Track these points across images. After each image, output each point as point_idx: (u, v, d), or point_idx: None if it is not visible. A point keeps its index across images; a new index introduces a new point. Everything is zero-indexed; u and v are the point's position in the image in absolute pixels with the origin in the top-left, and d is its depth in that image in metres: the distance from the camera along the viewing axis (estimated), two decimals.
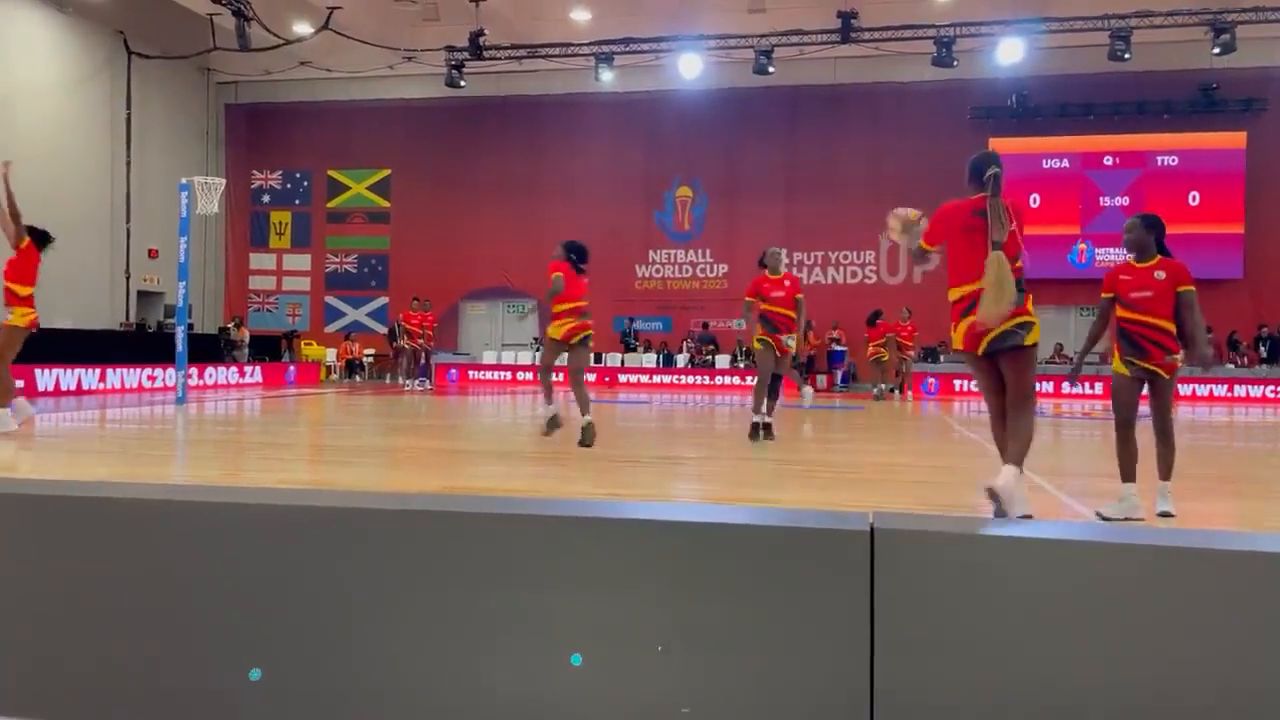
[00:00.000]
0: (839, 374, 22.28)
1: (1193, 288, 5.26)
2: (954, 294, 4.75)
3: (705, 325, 23.72)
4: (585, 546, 2.19)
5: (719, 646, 2.10)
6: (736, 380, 22.34)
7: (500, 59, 21.25)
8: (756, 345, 9.52)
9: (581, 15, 21.80)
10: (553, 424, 8.72)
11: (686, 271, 24.14)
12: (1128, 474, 5.25)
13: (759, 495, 6.23)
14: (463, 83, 21.11)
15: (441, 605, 2.21)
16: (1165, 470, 5.24)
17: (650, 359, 23.37)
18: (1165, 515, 5.13)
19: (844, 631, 2.05)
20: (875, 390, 18.44)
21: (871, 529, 2.07)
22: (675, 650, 2.12)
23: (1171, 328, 5.23)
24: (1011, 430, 4.57)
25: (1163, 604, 1.97)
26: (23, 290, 9.02)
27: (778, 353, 9.34)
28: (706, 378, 22.55)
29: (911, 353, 18.84)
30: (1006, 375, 4.64)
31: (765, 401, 9.44)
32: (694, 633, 2.11)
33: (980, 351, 4.63)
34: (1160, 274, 5.25)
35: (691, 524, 2.22)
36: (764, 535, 2.15)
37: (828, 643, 2.06)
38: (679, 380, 22.57)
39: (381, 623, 2.22)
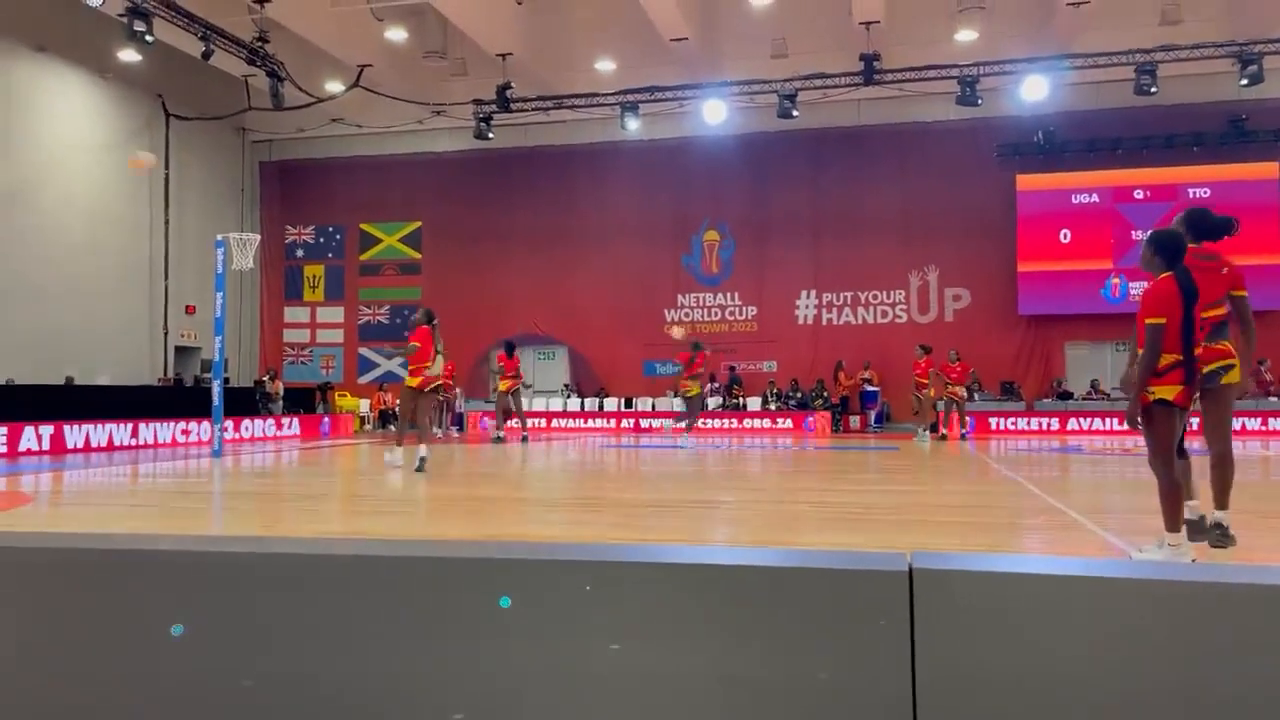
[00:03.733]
0: (872, 414, 22.09)
1: (1152, 320, 4.79)
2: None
3: (733, 369, 23.67)
4: (618, 592, 2.16)
5: (755, 692, 2.06)
6: (767, 423, 22.22)
7: (527, 110, 21.60)
8: None
9: (606, 66, 22.14)
10: (421, 464, 10.63)
11: (716, 315, 24.16)
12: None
13: (795, 538, 6.15)
14: (491, 134, 21.46)
15: (475, 654, 2.18)
16: (1165, 516, 4.92)
17: (680, 403, 23.29)
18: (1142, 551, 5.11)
19: (884, 674, 2.00)
20: (921, 435, 17.88)
21: (910, 569, 2.03)
22: (710, 696, 2.08)
23: (1164, 357, 4.79)
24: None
25: (1220, 643, 1.90)
26: None
27: None
28: (736, 420, 22.45)
29: (961, 391, 18.24)
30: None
31: None
32: (729, 679, 2.07)
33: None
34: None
35: (725, 566, 2.19)
36: (800, 577, 2.12)
37: (868, 686, 2.01)
38: (706, 424, 22.47)
39: (404, 670, 2.20)
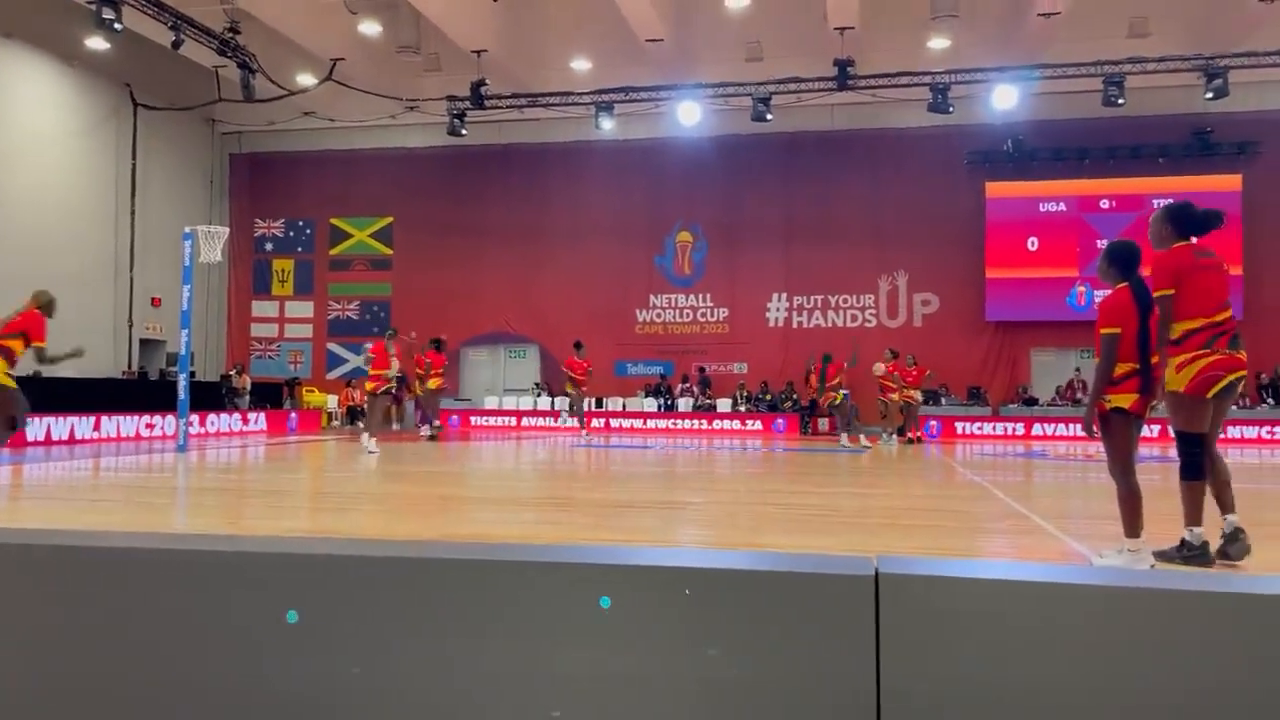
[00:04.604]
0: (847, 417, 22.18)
1: (1107, 330, 4.85)
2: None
3: (703, 370, 23.73)
4: (583, 594, 2.17)
5: (719, 695, 2.07)
6: (737, 425, 22.30)
7: (501, 107, 21.51)
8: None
9: (581, 65, 22.11)
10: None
11: (687, 316, 24.21)
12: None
13: (762, 540, 6.18)
14: (464, 131, 21.35)
15: (433, 655, 2.18)
16: (1124, 522, 4.98)
17: (651, 403, 23.34)
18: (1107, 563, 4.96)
19: (849, 678, 2.02)
20: (886, 439, 17.85)
21: (876, 573, 2.05)
22: (676, 698, 2.09)
23: (1120, 366, 4.86)
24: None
25: (1178, 649, 1.94)
26: None
27: None
28: (706, 422, 22.51)
29: (916, 395, 18.54)
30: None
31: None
32: (694, 681, 2.08)
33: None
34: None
35: (691, 569, 2.20)
36: (766, 580, 2.13)
37: (832, 688, 2.03)
38: (675, 425, 22.52)
39: (372, 673, 2.20)
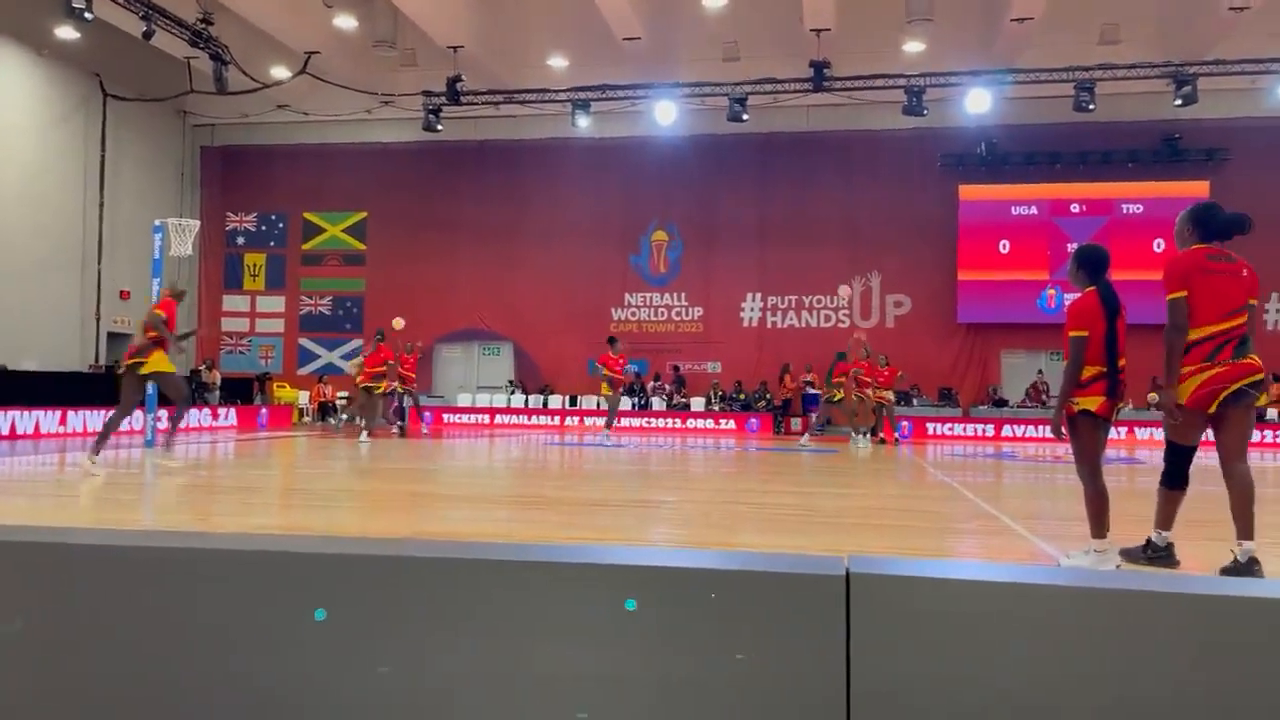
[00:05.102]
0: (813, 417, 22.31)
1: (1075, 333, 4.91)
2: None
3: (678, 368, 23.77)
4: (552, 592, 2.17)
5: (691, 693, 2.08)
6: (710, 424, 22.36)
7: (477, 104, 21.43)
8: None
9: (559, 62, 22.08)
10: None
11: (662, 315, 24.25)
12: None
13: (735, 539, 6.21)
14: (440, 127, 21.26)
15: (409, 653, 2.18)
16: (1090, 522, 5.03)
17: (625, 402, 23.34)
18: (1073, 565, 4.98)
19: (819, 676, 2.04)
20: (860, 439, 17.45)
21: (847, 573, 2.07)
22: (647, 697, 2.10)
23: (1088, 369, 4.91)
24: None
25: (1144, 649, 1.97)
26: None
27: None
28: (679, 420, 22.56)
29: (889, 395, 18.58)
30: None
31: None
32: (666, 680, 2.09)
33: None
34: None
35: (664, 569, 2.21)
36: (739, 580, 2.15)
37: (803, 688, 2.04)
38: (649, 423, 22.54)
39: (348, 672, 2.19)
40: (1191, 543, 5.69)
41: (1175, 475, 4.96)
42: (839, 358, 17.17)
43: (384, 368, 16.36)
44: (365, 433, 15.69)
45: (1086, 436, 4.98)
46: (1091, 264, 5.09)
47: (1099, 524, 4.99)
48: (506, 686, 2.14)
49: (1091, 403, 4.91)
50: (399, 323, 18.28)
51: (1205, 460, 4.97)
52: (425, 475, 10.86)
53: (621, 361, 17.69)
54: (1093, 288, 5.01)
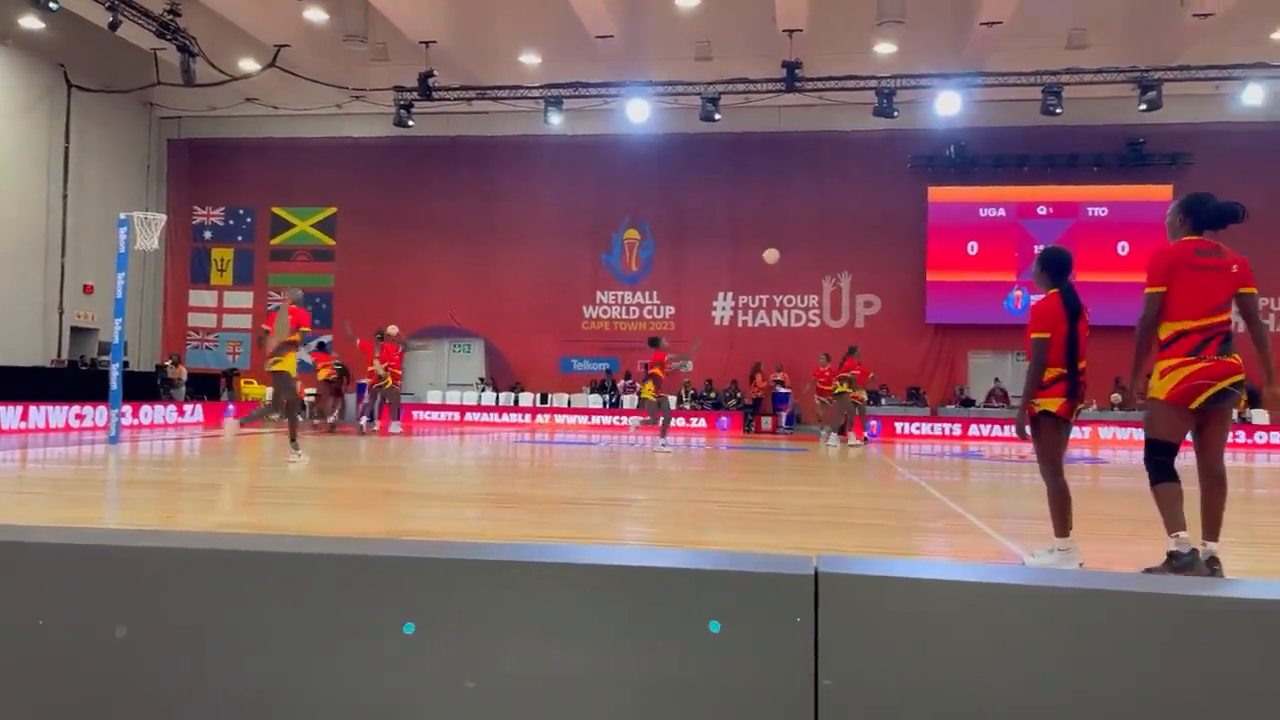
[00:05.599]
0: (784, 416, 22.45)
1: (1036, 335, 4.99)
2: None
3: (648, 367, 23.75)
4: (523, 593, 2.17)
5: (661, 693, 2.09)
6: (681, 422, 22.39)
7: (449, 99, 21.32)
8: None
9: (531, 59, 22.00)
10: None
11: (634, 313, 24.25)
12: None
13: (705, 538, 6.23)
14: (411, 122, 21.13)
15: (379, 652, 2.17)
16: (1054, 521, 5.10)
17: (596, 400, 23.34)
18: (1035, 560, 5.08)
19: (788, 675, 2.05)
20: (828, 438, 17.57)
21: (816, 572, 2.08)
22: (616, 696, 2.10)
23: (1049, 370, 5.00)
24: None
25: (1106, 648, 2.00)
26: None
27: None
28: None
29: (862, 394, 18.73)
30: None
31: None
32: (635, 679, 2.10)
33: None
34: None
35: (633, 568, 2.21)
36: (707, 579, 2.16)
37: (772, 687, 2.06)
38: (620, 421, 22.52)
39: (311, 670, 2.18)
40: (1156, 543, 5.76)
41: (1160, 469, 4.68)
42: (850, 352, 17.36)
43: (376, 365, 17.20)
44: (367, 419, 17.56)
45: (1048, 437, 5.06)
46: (1055, 266, 5.17)
47: (1062, 522, 5.07)
48: (480, 685, 2.13)
49: (1052, 404, 4.99)
50: (393, 330, 18.34)
51: (1182, 459, 4.94)
52: (395, 474, 10.80)
53: (666, 361, 16.82)
54: (1055, 290, 5.09)
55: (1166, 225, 4.86)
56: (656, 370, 15.54)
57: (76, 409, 16.73)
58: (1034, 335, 5.01)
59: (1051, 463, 5.06)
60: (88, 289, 22.67)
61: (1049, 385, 4.99)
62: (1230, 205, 4.64)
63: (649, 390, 15.25)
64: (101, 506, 7.56)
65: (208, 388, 23.00)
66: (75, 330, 22.55)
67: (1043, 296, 5.15)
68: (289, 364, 10.67)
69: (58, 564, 2.31)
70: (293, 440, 11.00)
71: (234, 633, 2.21)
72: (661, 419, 15.37)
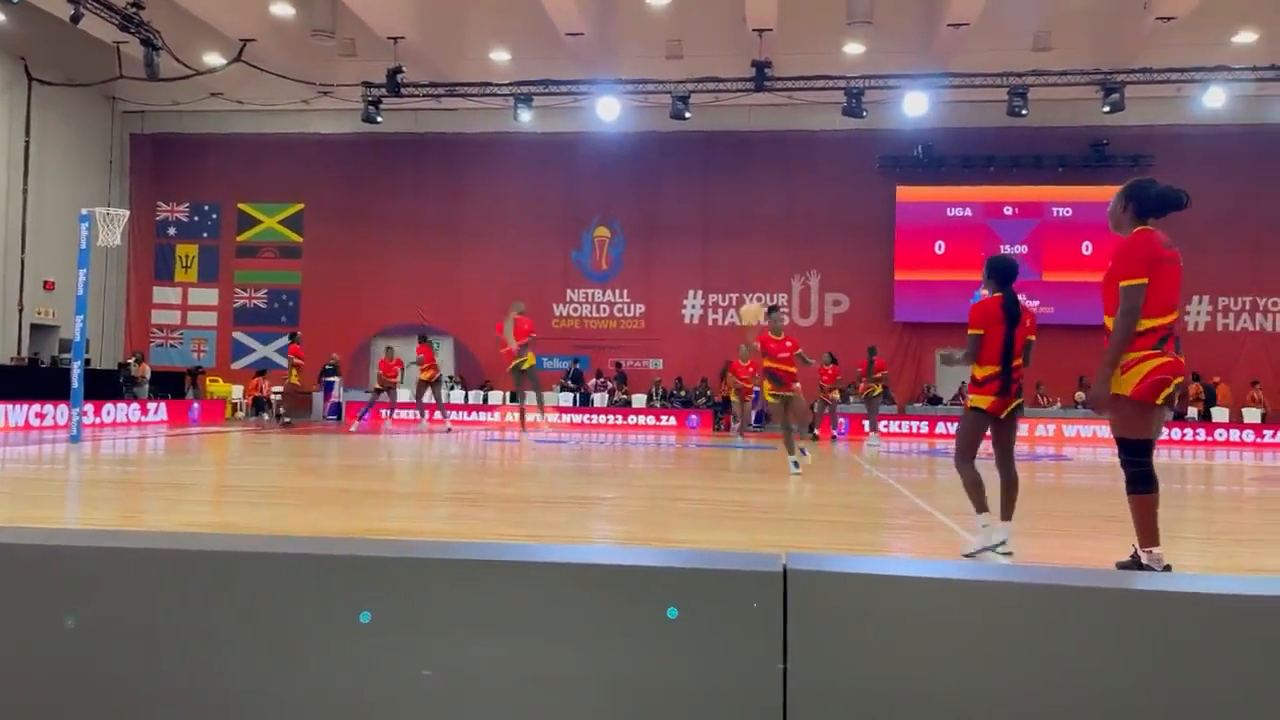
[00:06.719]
0: (753, 414, 22.49)
1: (972, 330, 5.41)
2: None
3: (619, 365, 23.77)
4: (491, 592, 2.16)
5: (627, 690, 2.09)
6: (651, 420, 22.41)
7: (418, 96, 21.18)
8: (770, 400, 10.63)
9: (501, 56, 21.90)
10: None
11: (604, 311, 24.22)
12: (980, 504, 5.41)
13: (675, 535, 6.24)
14: (380, 119, 20.97)
15: (336, 645, 2.15)
16: (1006, 509, 5.42)
17: (566, 398, 23.28)
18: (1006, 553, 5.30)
19: (757, 672, 2.06)
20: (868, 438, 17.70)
21: (785, 570, 2.09)
22: (584, 695, 2.10)
23: (983, 369, 5.36)
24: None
25: (1069, 643, 2.03)
26: None
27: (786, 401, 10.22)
28: (621, 417, 22.55)
29: (835, 394, 18.98)
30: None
31: (794, 444, 10.55)
32: (603, 678, 2.10)
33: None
34: None
35: (602, 566, 2.21)
36: (676, 577, 2.16)
37: (741, 685, 2.07)
38: (590, 420, 22.50)
39: (279, 671, 2.16)
40: (1110, 538, 5.85)
41: (1141, 478, 4.39)
42: (871, 353, 17.73)
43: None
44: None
45: (969, 428, 5.45)
46: (1000, 273, 5.50)
47: (979, 503, 5.41)
48: (457, 683, 2.12)
49: (983, 401, 5.34)
50: (390, 350, 18.81)
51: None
52: (362, 472, 10.72)
53: (751, 369, 16.71)
54: (998, 294, 5.41)
55: (1109, 215, 4.61)
56: (738, 380, 16.85)
57: (37, 407, 16.46)
58: (970, 331, 5.40)
59: (961, 451, 5.46)
60: (48, 285, 22.29)
61: (984, 383, 5.37)
62: (1174, 191, 4.39)
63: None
64: (62, 506, 7.44)
65: (172, 386, 22.69)
66: (35, 327, 22.17)
67: (986, 298, 5.47)
68: (529, 360, 14.07)
69: (12, 563, 2.27)
70: (543, 415, 14.88)
71: (188, 631, 2.19)
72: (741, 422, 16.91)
